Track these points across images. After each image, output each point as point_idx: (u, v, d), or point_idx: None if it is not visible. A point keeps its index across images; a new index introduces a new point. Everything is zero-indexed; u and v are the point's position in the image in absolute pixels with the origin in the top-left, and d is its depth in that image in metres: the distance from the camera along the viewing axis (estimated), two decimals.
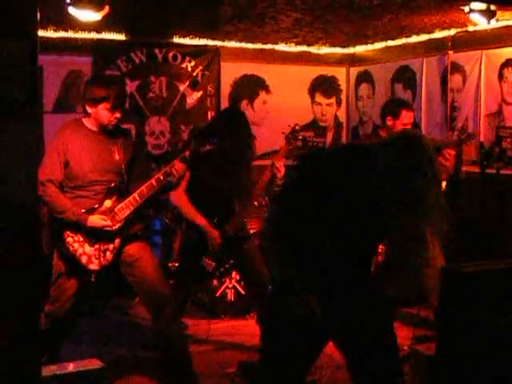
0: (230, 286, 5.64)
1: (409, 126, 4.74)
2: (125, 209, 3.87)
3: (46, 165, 3.74)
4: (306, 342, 2.76)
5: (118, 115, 3.83)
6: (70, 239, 3.80)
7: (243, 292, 5.59)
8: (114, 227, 3.84)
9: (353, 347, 2.78)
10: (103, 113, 3.79)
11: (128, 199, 3.89)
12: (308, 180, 2.72)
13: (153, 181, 3.92)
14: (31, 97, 2.30)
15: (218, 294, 5.61)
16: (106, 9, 4.57)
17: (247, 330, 5.18)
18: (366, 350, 2.73)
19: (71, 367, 3.42)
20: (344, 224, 2.65)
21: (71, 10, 4.67)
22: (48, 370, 3.22)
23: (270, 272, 3.11)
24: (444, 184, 4.95)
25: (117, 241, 3.88)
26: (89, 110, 3.82)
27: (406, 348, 4.40)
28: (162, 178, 3.95)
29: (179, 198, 4.34)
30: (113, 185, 3.87)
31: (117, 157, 3.87)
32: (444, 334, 3.11)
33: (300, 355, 2.79)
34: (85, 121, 3.89)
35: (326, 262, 2.71)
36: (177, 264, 5.39)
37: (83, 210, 3.79)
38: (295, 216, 2.69)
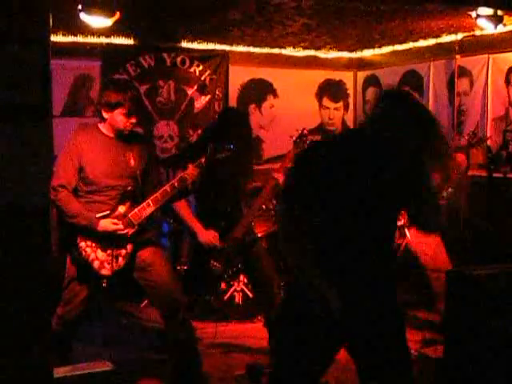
0: (238, 289, 5.65)
1: None
2: (138, 214, 3.85)
3: (59, 169, 3.72)
4: (320, 347, 2.65)
5: (133, 120, 3.81)
6: (82, 244, 3.78)
7: (251, 295, 5.60)
8: (127, 232, 3.84)
9: (368, 351, 2.65)
10: (119, 118, 3.78)
11: (142, 205, 3.87)
12: (312, 173, 2.63)
13: (167, 187, 3.90)
14: (43, 102, 2.34)
15: (225, 297, 5.62)
16: (117, 15, 4.58)
17: (255, 333, 5.19)
18: (382, 356, 2.61)
19: (80, 369, 3.44)
20: (358, 213, 2.57)
21: (83, 17, 4.67)
22: (57, 372, 3.24)
23: (290, 273, 3.02)
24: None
25: (129, 246, 3.87)
26: (105, 115, 3.79)
27: (413, 351, 4.41)
28: (176, 184, 3.91)
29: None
30: (127, 190, 3.85)
31: (132, 162, 3.86)
32: (451, 337, 3.12)
33: (313, 360, 2.69)
34: (100, 126, 3.86)
35: (344, 258, 2.59)
36: (185, 267, 5.42)
37: (97, 215, 3.77)
38: (306, 211, 2.59)
